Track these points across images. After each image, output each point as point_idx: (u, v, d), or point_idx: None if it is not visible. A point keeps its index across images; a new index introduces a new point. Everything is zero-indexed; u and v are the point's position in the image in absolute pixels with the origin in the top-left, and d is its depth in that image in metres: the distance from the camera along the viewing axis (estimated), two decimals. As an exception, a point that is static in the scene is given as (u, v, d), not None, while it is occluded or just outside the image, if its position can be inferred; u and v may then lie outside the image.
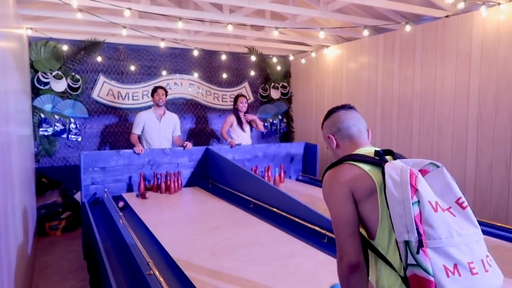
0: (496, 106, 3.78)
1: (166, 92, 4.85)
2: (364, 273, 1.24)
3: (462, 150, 4.09)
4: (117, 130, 5.67)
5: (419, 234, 1.11)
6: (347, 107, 1.54)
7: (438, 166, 1.25)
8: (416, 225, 1.12)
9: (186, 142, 4.73)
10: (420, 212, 1.14)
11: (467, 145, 4.04)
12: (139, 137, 4.76)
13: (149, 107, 5.31)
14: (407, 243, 1.12)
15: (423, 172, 1.23)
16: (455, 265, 1.10)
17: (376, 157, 1.33)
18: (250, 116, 5.35)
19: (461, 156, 4.08)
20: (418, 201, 1.15)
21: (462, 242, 1.13)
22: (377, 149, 1.39)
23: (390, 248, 1.21)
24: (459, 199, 1.21)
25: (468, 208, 1.21)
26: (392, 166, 1.22)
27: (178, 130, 4.96)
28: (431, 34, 4.36)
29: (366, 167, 1.28)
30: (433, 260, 1.10)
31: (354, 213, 1.27)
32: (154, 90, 4.78)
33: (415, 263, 1.10)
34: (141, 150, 4.38)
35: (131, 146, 4.64)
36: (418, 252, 1.10)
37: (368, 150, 1.40)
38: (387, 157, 1.35)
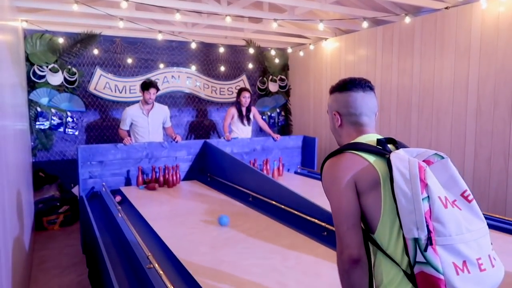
0: (495, 98, 3.77)
1: (158, 89, 4.66)
2: (365, 267, 1.19)
3: (460, 143, 4.09)
4: (115, 124, 5.63)
5: (428, 231, 1.08)
6: (367, 88, 1.38)
7: (442, 157, 1.20)
8: (426, 222, 1.08)
9: (176, 135, 4.67)
10: (430, 208, 1.10)
11: (465, 137, 4.04)
12: (128, 132, 4.68)
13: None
14: (416, 240, 1.09)
15: (427, 163, 1.18)
16: (464, 262, 1.08)
17: (378, 146, 1.27)
18: (277, 136, 5.28)
19: (459, 149, 4.08)
20: (428, 196, 1.10)
21: (471, 238, 1.10)
22: (379, 137, 1.33)
23: (391, 243, 1.17)
24: (464, 191, 1.18)
25: (474, 202, 1.17)
26: (398, 158, 1.17)
27: (168, 122, 4.85)
28: (430, 26, 4.34)
29: (370, 158, 1.22)
30: (442, 257, 1.07)
31: (356, 205, 1.21)
32: (146, 87, 4.51)
33: (424, 260, 1.07)
34: (129, 141, 4.33)
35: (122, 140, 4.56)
36: (426, 250, 1.07)
37: (370, 138, 1.34)
38: (389, 146, 1.30)
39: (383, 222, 1.18)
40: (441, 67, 4.26)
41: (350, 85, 1.37)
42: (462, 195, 1.17)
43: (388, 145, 1.29)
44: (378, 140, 1.29)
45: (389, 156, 1.18)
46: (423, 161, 1.18)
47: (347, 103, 1.37)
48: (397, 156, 1.17)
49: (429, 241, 1.07)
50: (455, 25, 4.08)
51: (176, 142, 4.61)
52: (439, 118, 4.30)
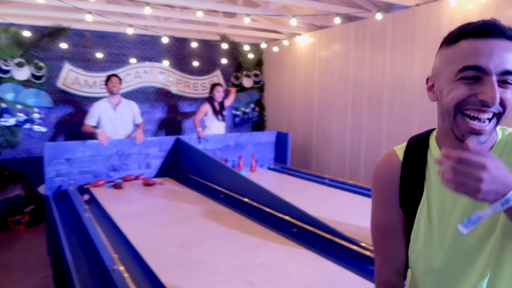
0: (463, 94, 3.83)
1: (121, 80, 4.63)
2: None
3: (430, 138, 4.15)
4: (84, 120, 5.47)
5: None
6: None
7: None
8: None
9: (137, 133, 4.46)
10: None
11: (435, 133, 4.10)
12: (95, 128, 4.54)
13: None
14: None
15: None
16: None
17: None
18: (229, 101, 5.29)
19: (429, 144, 4.14)
20: None
21: None
22: None
23: None
24: None
25: None
26: None
27: (139, 117, 4.76)
28: (402, 23, 4.38)
29: None
30: None
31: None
32: (108, 78, 4.53)
33: None
34: (106, 141, 4.22)
35: (88, 136, 4.41)
36: None
37: None
38: None
39: None
40: (411, 63, 4.30)
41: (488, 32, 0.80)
42: None
43: None
44: None
45: None
46: None
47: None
48: None
49: None
50: (425, 22, 4.13)
51: (137, 143, 4.45)
52: (409, 114, 4.36)
